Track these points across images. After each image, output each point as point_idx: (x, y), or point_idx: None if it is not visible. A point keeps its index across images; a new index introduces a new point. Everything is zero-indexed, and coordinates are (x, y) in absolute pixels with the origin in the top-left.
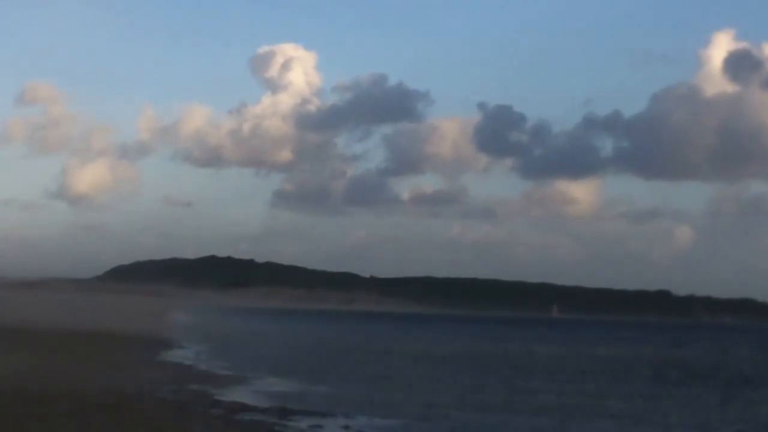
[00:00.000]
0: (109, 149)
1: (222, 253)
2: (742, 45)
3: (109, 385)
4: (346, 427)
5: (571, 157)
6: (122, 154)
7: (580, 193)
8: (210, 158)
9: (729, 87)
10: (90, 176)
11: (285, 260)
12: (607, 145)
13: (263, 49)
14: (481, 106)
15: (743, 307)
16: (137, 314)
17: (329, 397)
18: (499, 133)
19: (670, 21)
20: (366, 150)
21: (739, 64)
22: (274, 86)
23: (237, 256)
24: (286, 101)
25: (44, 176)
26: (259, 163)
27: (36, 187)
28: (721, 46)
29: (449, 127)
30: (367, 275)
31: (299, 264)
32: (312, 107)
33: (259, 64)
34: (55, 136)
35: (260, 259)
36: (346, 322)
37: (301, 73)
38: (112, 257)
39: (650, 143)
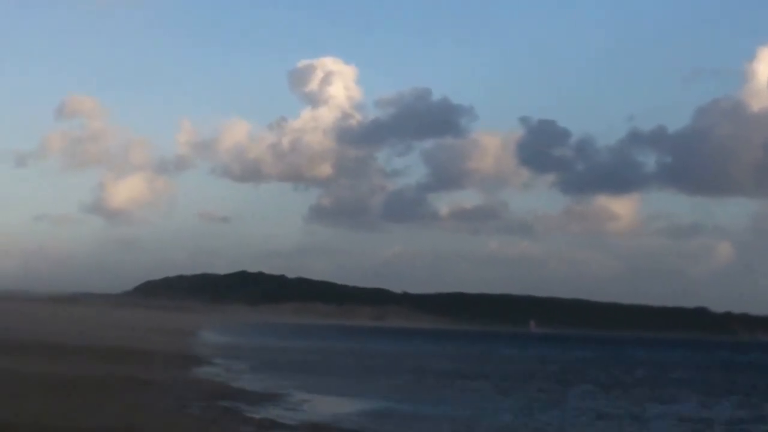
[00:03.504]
0: (147, 163)
1: (253, 268)
2: None
3: (137, 403)
4: None
5: (613, 173)
6: (160, 169)
7: (622, 209)
8: (249, 173)
9: None
10: (126, 191)
11: (316, 276)
12: (650, 161)
13: (303, 63)
14: (524, 120)
15: None
16: (162, 330)
17: (368, 415)
18: (542, 148)
19: (715, 36)
20: (407, 165)
21: None
22: (314, 100)
23: (268, 271)
24: (326, 115)
25: (81, 190)
26: (298, 177)
27: (71, 202)
28: (767, 61)
29: (491, 142)
30: (400, 291)
31: (330, 279)
32: (353, 122)
33: (299, 78)
34: (93, 149)
35: (291, 274)
36: (377, 337)
37: (341, 87)
38: (142, 273)
39: (694, 158)
